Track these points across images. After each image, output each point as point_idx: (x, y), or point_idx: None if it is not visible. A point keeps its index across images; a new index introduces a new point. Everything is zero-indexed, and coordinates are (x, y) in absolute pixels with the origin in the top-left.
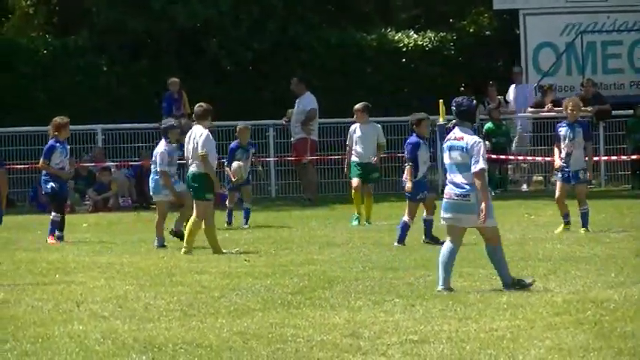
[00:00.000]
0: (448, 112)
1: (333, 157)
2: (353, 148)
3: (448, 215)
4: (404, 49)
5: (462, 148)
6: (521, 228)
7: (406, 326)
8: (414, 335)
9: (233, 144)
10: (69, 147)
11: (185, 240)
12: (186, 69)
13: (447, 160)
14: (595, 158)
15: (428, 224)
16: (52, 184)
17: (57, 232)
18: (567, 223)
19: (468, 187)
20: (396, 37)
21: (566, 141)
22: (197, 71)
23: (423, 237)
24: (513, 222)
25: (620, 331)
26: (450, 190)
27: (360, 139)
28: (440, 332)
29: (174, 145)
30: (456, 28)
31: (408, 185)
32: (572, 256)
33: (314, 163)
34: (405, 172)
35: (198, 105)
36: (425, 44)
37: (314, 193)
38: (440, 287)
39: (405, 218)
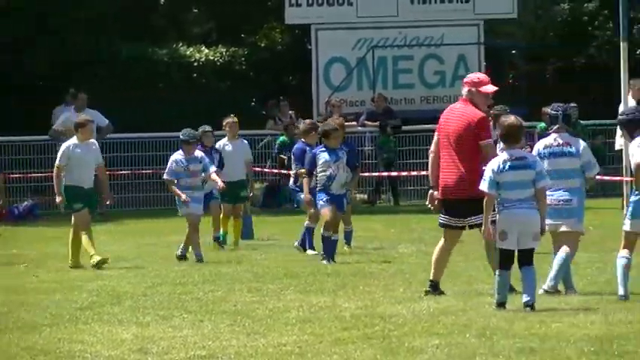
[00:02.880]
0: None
1: (122, 172)
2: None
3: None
4: (195, 64)
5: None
6: None
7: (194, 341)
8: (202, 350)
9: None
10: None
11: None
12: None
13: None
14: (384, 174)
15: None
16: None
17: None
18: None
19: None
20: (188, 52)
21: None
22: None
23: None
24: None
25: (408, 346)
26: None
27: (230, 155)
28: (228, 347)
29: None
30: (248, 43)
31: (306, 198)
32: (360, 271)
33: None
34: (303, 184)
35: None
36: (216, 59)
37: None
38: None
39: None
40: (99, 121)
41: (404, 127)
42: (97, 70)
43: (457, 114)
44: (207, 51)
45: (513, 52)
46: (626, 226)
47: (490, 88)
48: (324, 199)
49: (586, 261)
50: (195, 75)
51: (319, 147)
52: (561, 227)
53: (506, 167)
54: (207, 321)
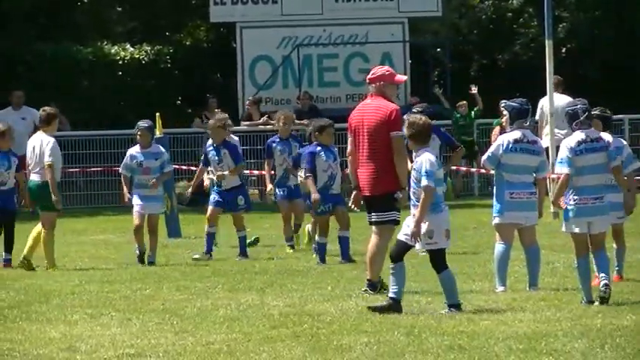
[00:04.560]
0: (164, 125)
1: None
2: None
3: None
4: (120, 62)
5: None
6: (234, 240)
7: (122, 340)
8: (130, 349)
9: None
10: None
11: (46, 257)
12: None
13: None
14: None
15: (344, 241)
16: None
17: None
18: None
19: None
20: (113, 50)
21: (280, 155)
22: None
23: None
24: (229, 235)
25: (336, 344)
26: None
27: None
28: (157, 346)
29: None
30: (173, 41)
31: (315, 197)
32: (288, 269)
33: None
34: (308, 184)
35: (42, 110)
36: (141, 57)
37: None
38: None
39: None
40: (37, 120)
41: None
42: (22, 70)
43: (371, 109)
44: (132, 49)
45: (438, 49)
46: (566, 228)
47: (402, 77)
48: (326, 204)
49: (513, 258)
50: (120, 74)
51: (311, 146)
52: (530, 220)
53: (439, 165)
54: (136, 319)
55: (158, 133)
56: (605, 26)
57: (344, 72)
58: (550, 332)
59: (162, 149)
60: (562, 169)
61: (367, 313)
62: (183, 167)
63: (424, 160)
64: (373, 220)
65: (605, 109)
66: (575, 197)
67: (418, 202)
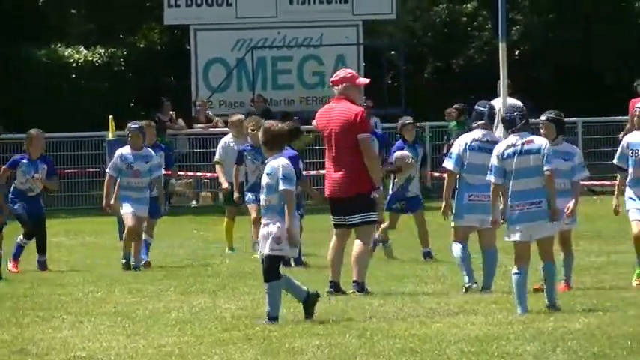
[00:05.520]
0: (118, 127)
1: None
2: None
3: None
4: (74, 65)
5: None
6: (191, 244)
7: (74, 342)
8: (82, 352)
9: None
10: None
11: None
12: None
13: None
14: None
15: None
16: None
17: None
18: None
19: None
20: (67, 53)
21: (252, 164)
22: None
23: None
24: (183, 238)
25: (288, 347)
26: None
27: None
28: (108, 348)
29: None
30: (127, 44)
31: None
32: (240, 271)
33: None
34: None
35: None
36: (95, 60)
37: None
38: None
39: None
40: None
41: None
42: None
43: (335, 113)
44: (85, 52)
45: (392, 52)
46: (507, 236)
47: (365, 80)
48: None
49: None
50: (74, 76)
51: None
52: (486, 223)
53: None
54: (87, 322)
55: (111, 136)
56: (559, 29)
57: (298, 74)
58: (502, 335)
59: (153, 153)
60: (489, 177)
61: (319, 316)
62: None
63: (279, 164)
64: (350, 222)
65: (560, 112)
66: (511, 203)
67: (269, 211)
